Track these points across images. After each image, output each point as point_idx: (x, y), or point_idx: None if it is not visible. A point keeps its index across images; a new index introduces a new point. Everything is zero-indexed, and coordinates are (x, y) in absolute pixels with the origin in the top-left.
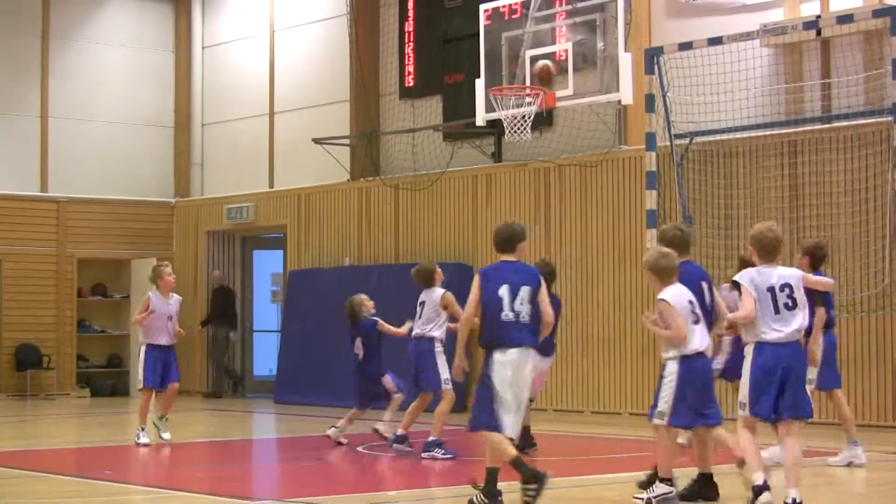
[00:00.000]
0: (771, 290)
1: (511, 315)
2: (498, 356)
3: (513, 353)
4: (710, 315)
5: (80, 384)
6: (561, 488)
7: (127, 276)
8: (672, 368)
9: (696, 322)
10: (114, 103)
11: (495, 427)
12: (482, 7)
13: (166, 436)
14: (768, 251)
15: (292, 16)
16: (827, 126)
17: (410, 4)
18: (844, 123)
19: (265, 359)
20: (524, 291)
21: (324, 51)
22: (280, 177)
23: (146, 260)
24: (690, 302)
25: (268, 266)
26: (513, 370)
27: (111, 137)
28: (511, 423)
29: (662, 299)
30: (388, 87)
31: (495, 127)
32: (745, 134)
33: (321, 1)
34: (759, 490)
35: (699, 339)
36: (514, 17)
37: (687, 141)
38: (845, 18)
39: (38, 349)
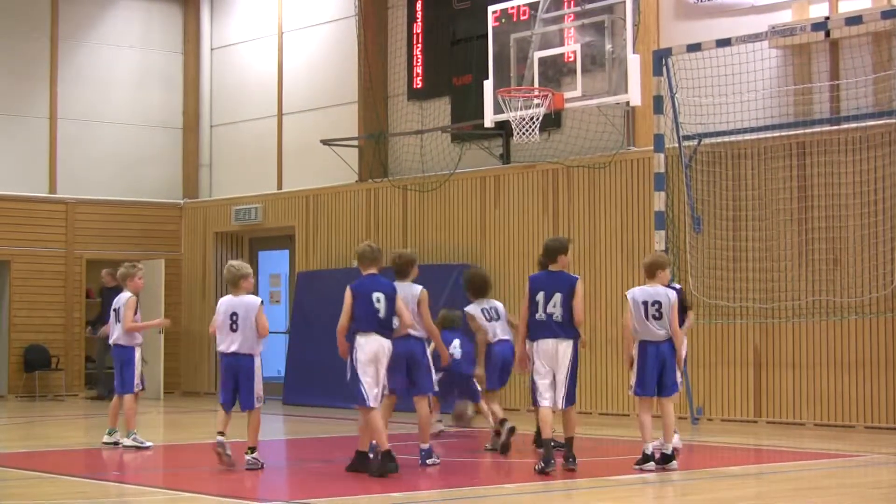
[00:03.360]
0: (644, 304)
1: None
2: None
3: None
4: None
5: (88, 385)
6: (566, 490)
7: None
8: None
9: (234, 330)
10: (122, 105)
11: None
12: (490, 8)
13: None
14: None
15: (300, 17)
16: (836, 128)
17: (418, 6)
18: (853, 125)
19: (272, 360)
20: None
21: (332, 52)
22: (288, 178)
23: (155, 261)
24: (232, 314)
25: (277, 268)
26: None
27: (120, 139)
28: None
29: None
30: (396, 88)
31: (503, 128)
32: (754, 135)
33: (329, 2)
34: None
35: (228, 342)
36: (522, 18)
37: (695, 142)
38: (854, 20)
39: (47, 350)
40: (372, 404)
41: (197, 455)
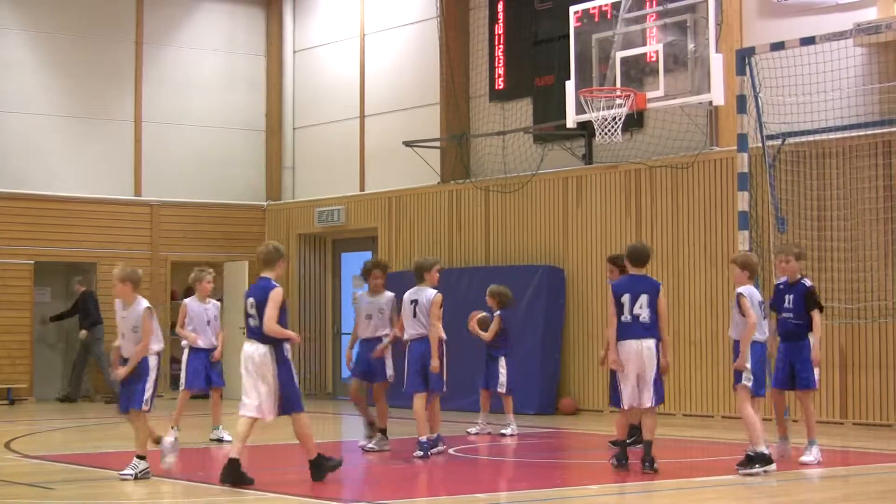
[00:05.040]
0: (760, 303)
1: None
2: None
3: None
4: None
5: (172, 386)
6: (648, 492)
7: (219, 279)
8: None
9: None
10: (206, 107)
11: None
12: (572, 9)
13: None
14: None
15: (382, 19)
16: None
17: (500, 6)
18: None
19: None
20: None
21: (414, 54)
22: (371, 180)
23: (238, 263)
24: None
25: (359, 269)
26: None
27: (203, 141)
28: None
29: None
30: (478, 89)
31: (586, 129)
32: (839, 134)
33: (411, 4)
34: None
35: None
36: (604, 18)
37: (779, 142)
38: None
39: None
40: (241, 412)
41: (282, 456)
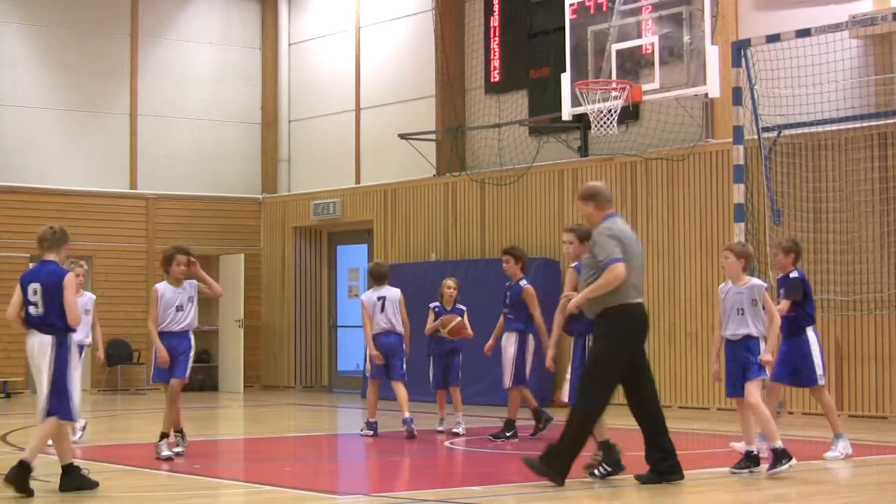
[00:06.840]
0: None
1: None
2: None
3: None
4: None
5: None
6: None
7: (215, 272)
8: None
9: None
10: (201, 100)
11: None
12: (567, 1)
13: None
14: None
15: (378, 12)
16: None
17: None
18: None
19: (350, 354)
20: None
21: (409, 46)
22: (366, 172)
23: (234, 256)
24: None
25: (355, 262)
26: None
27: (199, 134)
28: None
29: None
30: (473, 82)
31: (581, 121)
32: (834, 126)
33: None
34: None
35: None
36: (599, 10)
37: (775, 134)
38: None
39: (129, 344)
40: (39, 416)
41: (276, 448)
